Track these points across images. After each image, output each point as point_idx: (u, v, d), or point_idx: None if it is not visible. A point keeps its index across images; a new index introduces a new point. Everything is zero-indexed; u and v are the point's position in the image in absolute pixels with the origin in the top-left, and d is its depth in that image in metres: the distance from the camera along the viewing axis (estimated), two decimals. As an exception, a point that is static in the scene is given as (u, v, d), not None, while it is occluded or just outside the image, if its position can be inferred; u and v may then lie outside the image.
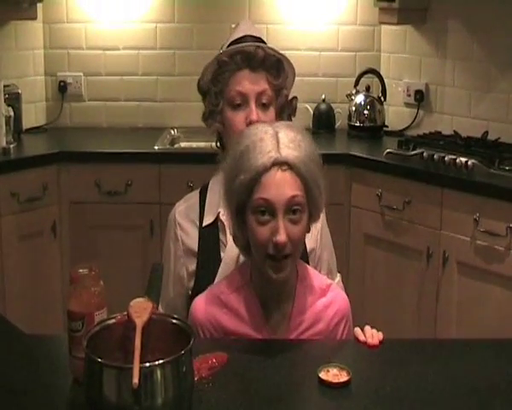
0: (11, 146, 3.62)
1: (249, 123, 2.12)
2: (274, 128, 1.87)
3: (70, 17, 4.23)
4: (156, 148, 3.81)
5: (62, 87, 4.27)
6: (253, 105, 2.14)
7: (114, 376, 1.39)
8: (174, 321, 1.56)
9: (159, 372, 1.38)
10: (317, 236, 2.21)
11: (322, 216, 2.15)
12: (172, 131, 4.21)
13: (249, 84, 2.15)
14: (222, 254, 2.16)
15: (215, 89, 2.20)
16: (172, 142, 4.10)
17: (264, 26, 4.22)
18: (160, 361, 1.39)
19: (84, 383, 1.44)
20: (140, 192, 3.70)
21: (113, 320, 1.56)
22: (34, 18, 3.97)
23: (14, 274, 3.53)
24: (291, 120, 2.29)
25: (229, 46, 2.22)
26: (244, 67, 2.16)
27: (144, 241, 3.70)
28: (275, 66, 2.18)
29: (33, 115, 4.20)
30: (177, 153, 3.92)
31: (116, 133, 4.21)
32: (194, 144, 4.10)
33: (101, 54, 4.28)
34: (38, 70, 4.25)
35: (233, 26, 4.08)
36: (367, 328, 1.89)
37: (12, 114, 3.70)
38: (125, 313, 1.53)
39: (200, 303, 1.98)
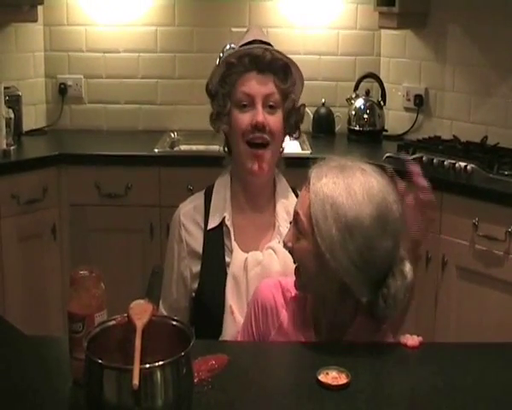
0: (11, 148, 3.62)
1: (255, 124, 2.13)
2: (357, 173, 1.77)
3: (70, 20, 4.24)
4: (156, 151, 3.81)
5: (62, 89, 4.28)
6: (259, 107, 2.14)
7: (114, 377, 1.39)
8: (174, 323, 1.56)
9: (159, 374, 1.39)
10: None
11: None
12: (172, 134, 4.22)
13: (256, 85, 2.15)
14: (227, 259, 2.17)
15: (223, 90, 2.19)
16: (172, 145, 4.11)
17: (264, 30, 4.19)
18: (160, 363, 1.39)
19: (85, 384, 1.44)
20: (140, 195, 3.70)
21: (114, 322, 1.56)
22: (35, 20, 3.97)
23: (14, 276, 3.53)
24: (299, 128, 2.28)
25: None
26: (252, 69, 2.16)
27: (144, 243, 3.70)
28: (282, 69, 2.19)
29: (33, 117, 4.21)
30: (177, 156, 3.92)
31: (116, 136, 4.21)
32: (193, 147, 4.11)
33: (101, 56, 4.28)
34: (39, 72, 4.25)
35: (233, 29, 4.16)
36: (407, 335, 1.89)
37: (12, 116, 3.70)
38: (126, 314, 1.54)
39: (266, 282, 1.99)
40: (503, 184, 3.16)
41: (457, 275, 3.28)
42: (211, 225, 2.19)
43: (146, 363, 1.39)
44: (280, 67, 2.18)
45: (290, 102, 2.20)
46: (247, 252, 2.16)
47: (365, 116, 4.16)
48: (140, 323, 1.49)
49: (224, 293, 2.13)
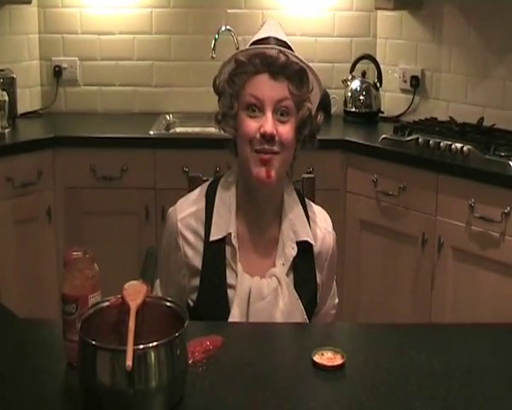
0: (6, 131, 3.61)
1: (263, 134, 1.91)
2: None
3: (65, 1, 4.21)
4: (151, 133, 3.80)
5: (57, 72, 4.26)
6: (269, 114, 1.92)
7: (108, 358, 1.38)
8: (168, 304, 1.56)
9: (152, 355, 1.38)
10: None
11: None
12: (168, 117, 4.21)
13: (267, 90, 1.93)
14: (228, 278, 1.99)
15: (230, 91, 1.98)
16: (168, 127, 4.09)
17: (259, 12, 4.21)
18: (154, 344, 1.39)
19: (78, 365, 1.44)
20: (135, 177, 3.69)
21: (107, 303, 1.55)
22: (29, 2, 3.96)
23: (8, 259, 3.52)
24: (314, 139, 2.05)
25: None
26: (263, 72, 1.93)
27: (139, 226, 3.70)
28: (297, 75, 1.97)
29: (28, 100, 4.19)
30: (173, 138, 3.90)
31: (111, 118, 4.20)
32: (189, 129, 4.10)
33: (96, 39, 4.26)
34: (33, 55, 4.23)
35: (228, 11, 4.14)
36: None
37: (7, 98, 3.69)
38: (119, 295, 1.53)
39: None
40: (499, 166, 3.16)
41: (453, 256, 3.28)
42: (213, 236, 1.99)
43: (140, 344, 1.38)
44: (295, 72, 1.96)
45: (305, 112, 1.98)
46: (251, 275, 1.99)
47: (361, 98, 4.15)
48: (134, 304, 1.49)
49: (224, 311, 1.97)
